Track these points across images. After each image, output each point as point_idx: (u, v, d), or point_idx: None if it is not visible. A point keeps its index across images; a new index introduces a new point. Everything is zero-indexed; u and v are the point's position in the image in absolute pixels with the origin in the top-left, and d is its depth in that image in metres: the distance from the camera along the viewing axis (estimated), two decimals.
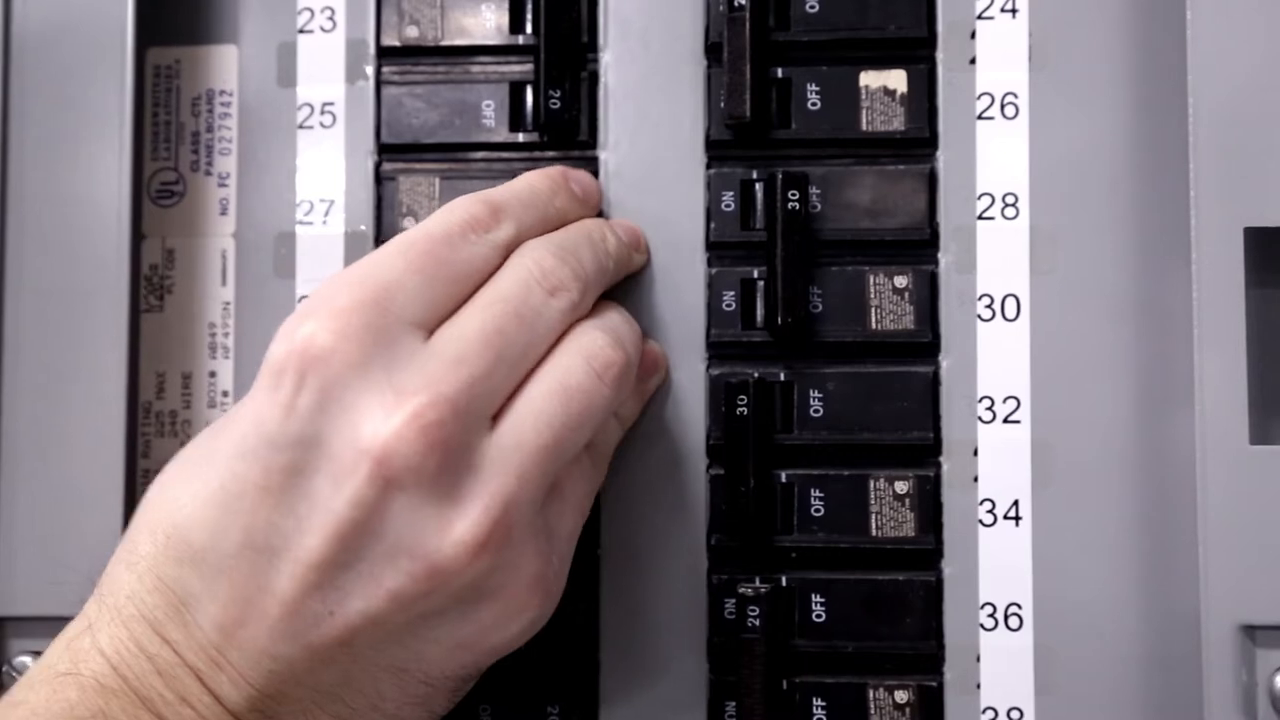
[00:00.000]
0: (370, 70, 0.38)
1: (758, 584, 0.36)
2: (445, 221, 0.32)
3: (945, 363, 0.36)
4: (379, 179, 0.38)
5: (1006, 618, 0.36)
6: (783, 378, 0.36)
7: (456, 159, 0.38)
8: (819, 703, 0.36)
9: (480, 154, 0.38)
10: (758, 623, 0.35)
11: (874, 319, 0.36)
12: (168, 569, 0.30)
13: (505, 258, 0.33)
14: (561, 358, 0.32)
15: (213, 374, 0.38)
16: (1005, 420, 0.36)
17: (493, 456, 0.30)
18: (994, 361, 0.36)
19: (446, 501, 0.30)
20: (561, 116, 0.37)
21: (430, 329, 0.31)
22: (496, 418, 0.31)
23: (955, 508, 0.36)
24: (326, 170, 0.38)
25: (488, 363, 0.31)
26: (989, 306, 0.36)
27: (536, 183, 0.35)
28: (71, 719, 0.29)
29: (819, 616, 0.36)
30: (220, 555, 0.29)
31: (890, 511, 0.36)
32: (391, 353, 0.30)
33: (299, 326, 0.30)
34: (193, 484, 0.30)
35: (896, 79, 0.37)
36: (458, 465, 0.30)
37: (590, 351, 0.32)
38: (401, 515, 0.29)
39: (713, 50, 0.37)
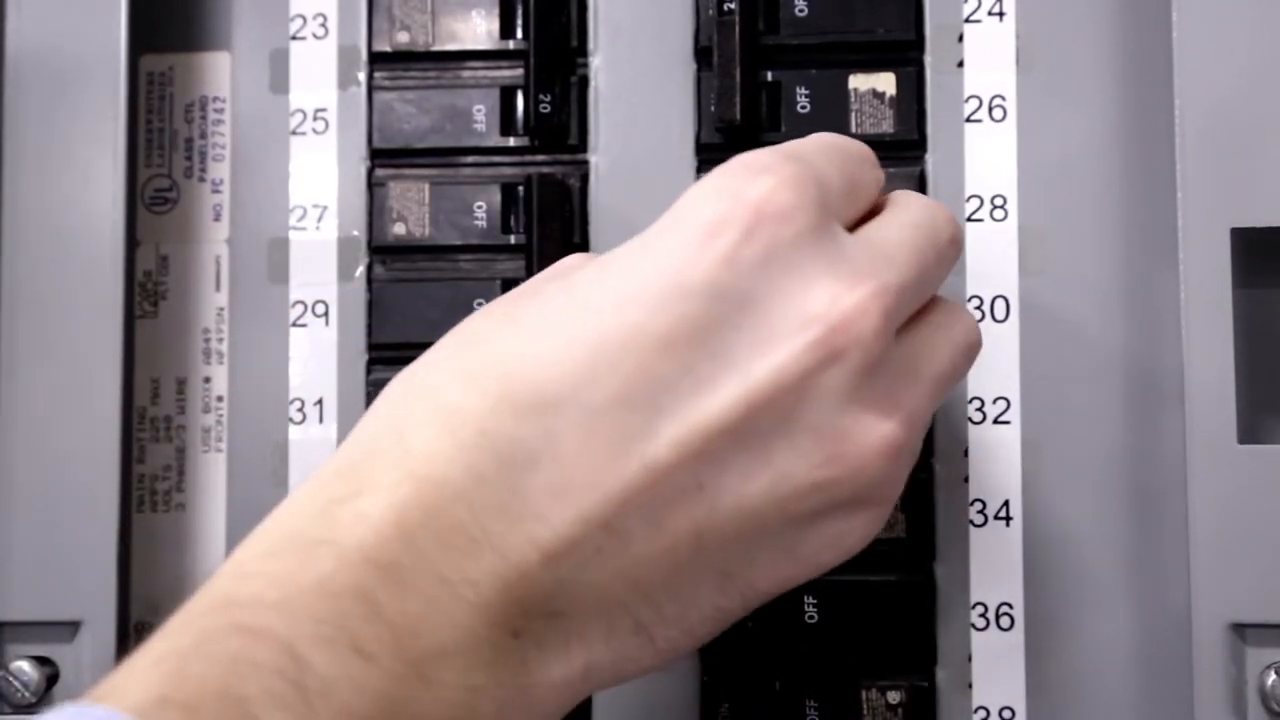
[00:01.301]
0: (362, 76, 0.39)
1: None
2: (854, 145, 0.31)
3: None
4: (371, 184, 0.38)
5: (998, 618, 0.36)
6: None
7: (448, 163, 0.38)
8: (811, 704, 0.36)
9: (471, 158, 0.38)
10: (750, 624, 0.35)
11: None
12: (496, 422, 0.26)
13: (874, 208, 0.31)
14: (952, 315, 0.31)
15: (207, 379, 0.38)
16: (995, 421, 0.36)
17: (907, 368, 0.29)
18: (984, 363, 0.36)
19: (873, 393, 0.27)
20: (552, 120, 0.37)
21: (847, 222, 0.29)
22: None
23: (946, 508, 0.36)
24: (319, 176, 0.38)
25: (914, 275, 0.29)
26: (979, 308, 0.36)
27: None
28: (323, 594, 0.25)
29: (811, 618, 0.36)
30: (584, 408, 0.26)
31: None
32: (833, 232, 0.28)
33: (749, 183, 0.27)
34: (543, 330, 0.27)
35: (885, 82, 0.37)
36: (888, 360, 0.28)
37: (969, 324, 0.31)
38: (825, 395, 0.27)
39: (703, 54, 0.37)
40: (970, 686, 0.36)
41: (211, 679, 0.23)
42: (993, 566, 0.36)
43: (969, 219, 0.36)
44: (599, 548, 0.26)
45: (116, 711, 0.22)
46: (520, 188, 0.37)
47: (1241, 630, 0.33)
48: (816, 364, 0.27)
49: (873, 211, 0.31)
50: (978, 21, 0.37)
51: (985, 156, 0.37)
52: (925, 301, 0.30)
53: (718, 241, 0.27)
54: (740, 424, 0.26)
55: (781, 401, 0.27)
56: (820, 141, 0.30)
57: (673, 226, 0.28)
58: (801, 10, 0.37)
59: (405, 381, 0.28)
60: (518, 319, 0.28)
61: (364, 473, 0.26)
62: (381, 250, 0.38)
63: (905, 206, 0.31)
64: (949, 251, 0.31)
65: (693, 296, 0.27)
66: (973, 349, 0.31)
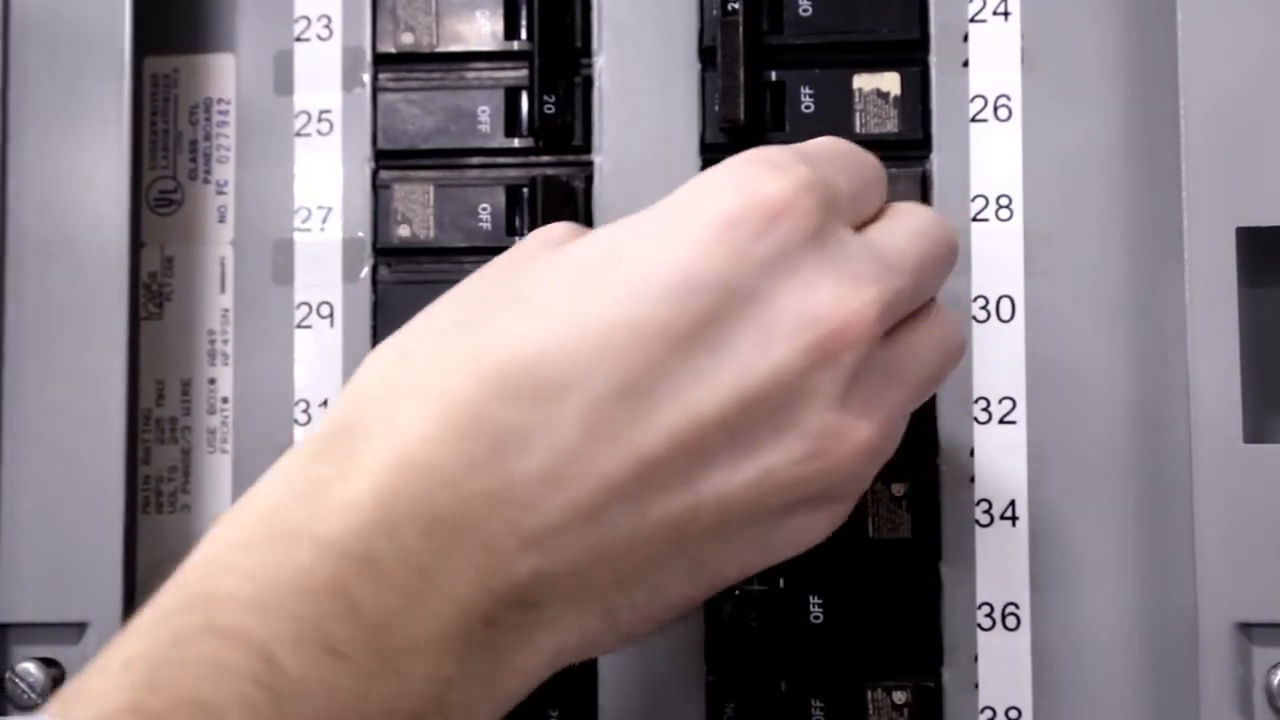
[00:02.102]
0: (366, 77, 0.39)
1: (755, 585, 0.36)
2: (862, 154, 0.31)
3: None
4: (376, 186, 0.38)
5: (1004, 617, 0.36)
6: None
7: (452, 165, 0.38)
8: (817, 704, 0.36)
9: (476, 159, 0.38)
10: (755, 624, 0.35)
11: None
12: (494, 407, 0.26)
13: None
14: (939, 320, 0.31)
15: (212, 381, 0.38)
16: (1001, 421, 0.36)
17: (892, 371, 0.29)
18: (989, 363, 0.36)
19: (858, 395, 0.28)
20: (556, 121, 0.37)
21: (852, 224, 0.30)
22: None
23: (952, 509, 0.36)
24: (324, 177, 0.38)
25: (913, 283, 0.29)
26: (984, 308, 0.36)
27: None
28: (300, 590, 0.24)
29: (817, 618, 0.36)
30: (586, 395, 0.26)
31: (887, 514, 0.36)
32: (839, 235, 0.28)
33: (765, 180, 0.28)
34: (547, 313, 0.27)
35: (890, 81, 0.37)
36: (876, 362, 0.28)
37: (954, 331, 0.31)
38: (815, 394, 0.27)
39: (707, 54, 0.37)
40: (976, 687, 0.36)
41: (184, 685, 0.23)
42: (999, 566, 0.36)
43: (974, 219, 0.36)
44: (582, 536, 0.26)
45: None
46: (525, 189, 0.37)
47: (1248, 629, 0.33)
48: (812, 365, 0.27)
49: (876, 218, 0.31)
50: (983, 21, 0.37)
51: (990, 156, 0.37)
52: (917, 306, 0.30)
53: (731, 236, 0.27)
54: (732, 418, 0.27)
55: (774, 398, 0.27)
56: (831, 146, 0.31)
57: (687, 215, 0.28)
58: (805, 10, 0.37)
59: (395, 356, 0.28)
60: (519, 299, 0.28)
61: (350, 453, 0.26)
62: (386, 252, 0.38)
63: (909, 213, 0.31)
64: (948, 259, 0.31)
65: (702, 290, 0.27)
66: (956, 354, 0.31)
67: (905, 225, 0.30)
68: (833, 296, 0.27)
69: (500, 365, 0.26)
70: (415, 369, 0.27)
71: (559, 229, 0.30)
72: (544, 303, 0.27)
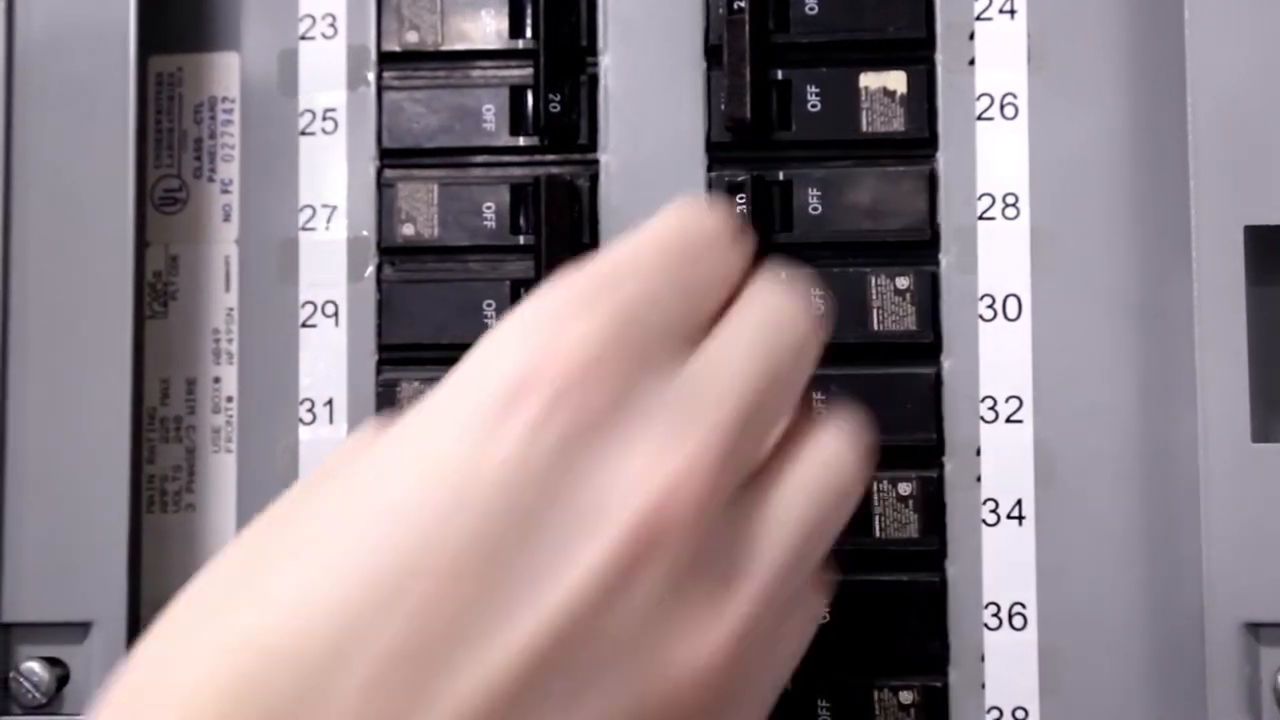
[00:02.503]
0: (371, 76, 0.38)
1: None
2: (698, 231, 0.26)
3: (947, 363, 0.36)
4: (380, 184, 0.38)
5: (1011, 617, 0.36)
6: None
7: (457, 164, 0.38)
8: (823, 704, 0.36)
9: (481, 158, 0.38)
10: None
11: (876, 320, 0.36)
12: (260, 708, 0.21)
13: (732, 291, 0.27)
14: (816, 448, 0.26)
15: (217, 380, 0.38)
16: (1008, 420, 0.36)
17: (755, 538, 0.24)
18: (996, 361, 0.36)
19: (692, 597, 0.23)
20: (562, 120, 0.37)
21: (683, 344, 0.25)
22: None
23: (958, 508, 0.36)
24: (329, 176, 0.38)
25: (752, 399, 0.25)
26: (990, 307, 0.36)
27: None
28: None
29: (822, 618, 0.36)
30: (364, 661, 0.21)
31: (893, 513, 0.36)
32: (651, 380, 0.24)
33: (549, 339, 0.23)
34: (301, 572, 0.22)
35: (896, 80, 0.37)
36: (719, 538, 0.24)
37: (838, 459, 0.27)
38: (644, 601, 0.22)
39: (713, 53, 0.37)
40: (983, 687, 0.36)
41: None
42: (1006, 566, 0.36)
43: (980, 218, 0.36)
44: None
45: None
46: (529, 188, 0.37)
47: (1255, 630, 0.33)
48: (628, 564, 0.22)
49: (725, 307, 0.27)
50: (989, 19, 0.37)
51: (997, 155, 0.36)
52: (782, 416, 0.26)
53: (512, 419, 0.23)
54: (552, 654, 0.22)
55: (595, 617, 0.22)
56: (656, 240, 0.26)
57: (467, 391, 0.23)
58: (812, 8, 0.37)
59: (155, 650, 0.23)
60: (286, 555, 0.23)
61: None
62: (390, 251, 0.38)
63: (750, 304, 0.27)
64: (805, 348, 0.27)
65: (484, 505, 0.22)
66: (842, 491, 0.26)
67: (744, 331, 0.26)
68: (652, 461, 0.23)
69: (245, 664, 0.21)
70: (169, 668, 0.22)
71: (369, 429, 0.26)
72: (309, 554, 0.22)
